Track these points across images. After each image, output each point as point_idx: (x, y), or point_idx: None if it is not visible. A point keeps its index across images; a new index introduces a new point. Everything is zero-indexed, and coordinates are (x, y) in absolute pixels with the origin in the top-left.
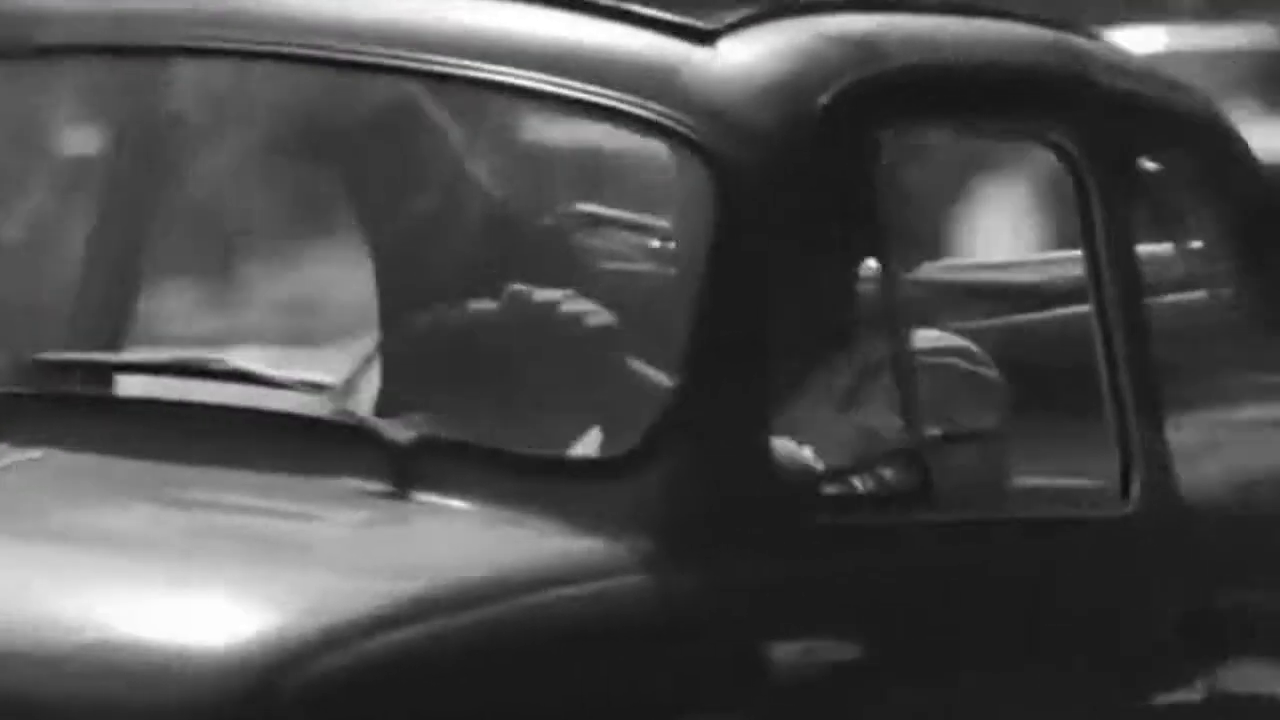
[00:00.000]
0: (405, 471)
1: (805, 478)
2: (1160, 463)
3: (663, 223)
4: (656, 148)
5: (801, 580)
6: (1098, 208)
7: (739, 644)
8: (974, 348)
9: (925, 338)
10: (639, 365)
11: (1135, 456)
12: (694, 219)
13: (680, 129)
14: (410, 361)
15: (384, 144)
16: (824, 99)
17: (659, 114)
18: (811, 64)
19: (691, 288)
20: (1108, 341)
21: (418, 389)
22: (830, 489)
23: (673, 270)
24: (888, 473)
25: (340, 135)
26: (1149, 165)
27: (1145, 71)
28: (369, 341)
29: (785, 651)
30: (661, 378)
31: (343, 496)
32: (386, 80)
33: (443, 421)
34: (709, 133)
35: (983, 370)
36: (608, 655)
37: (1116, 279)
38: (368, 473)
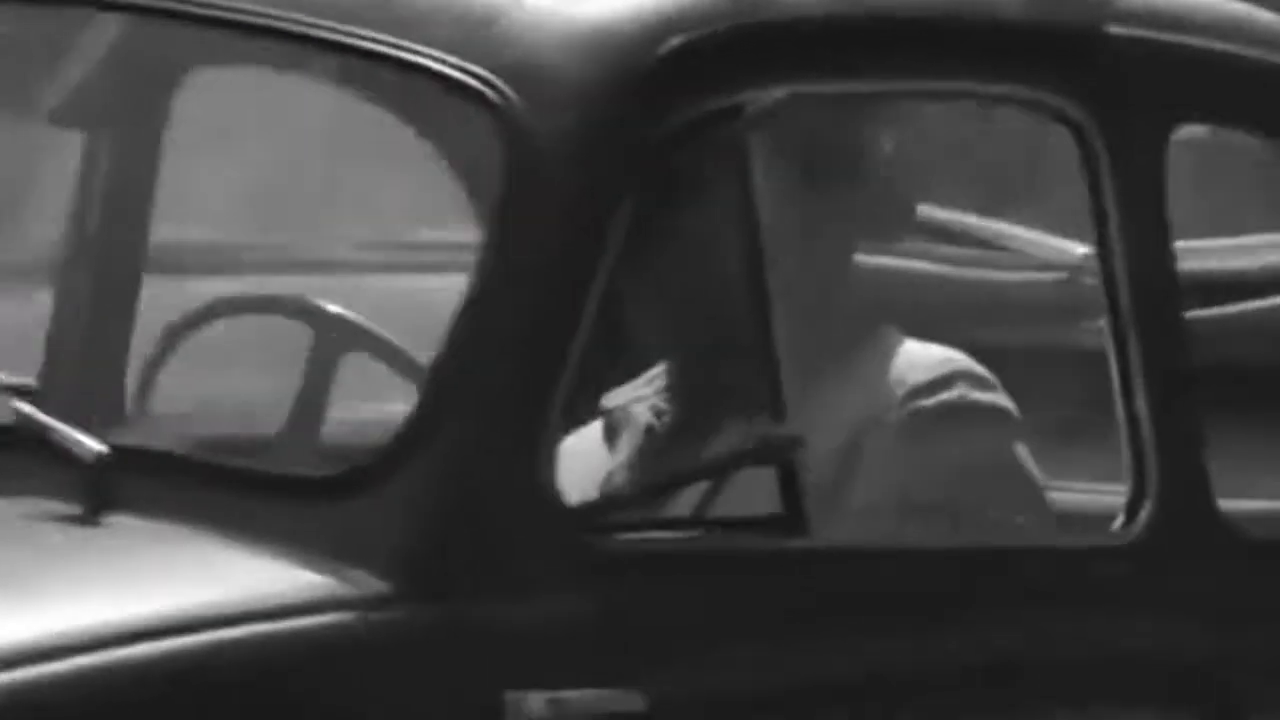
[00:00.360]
0: (96, 488)
1: (593, 498)
2: (1184, 484)
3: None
4: (461, 110)
5: (577, 620)
6: (1111, 188)
7: (481, 698)
8: (980, 370)
9: (924, 361)
10: (404, 367)
11: (1149, 476)
12: (482, 193)
13: (478, 87)
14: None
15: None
16: (662, 52)
17: (458, 70)
18: (664, 12)
19: (468, 275)
20: (1121, 347)
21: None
22: (632, 511)
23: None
24: (732, 491)
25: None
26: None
27: (1205, 19)
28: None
29: (538, 705)
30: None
31: (18, 517)
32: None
33: (154, 430)
34: (509, 92)
35: (990, 398)
36: (306, 711)
37: (1135, 272)
38: (56, 490)
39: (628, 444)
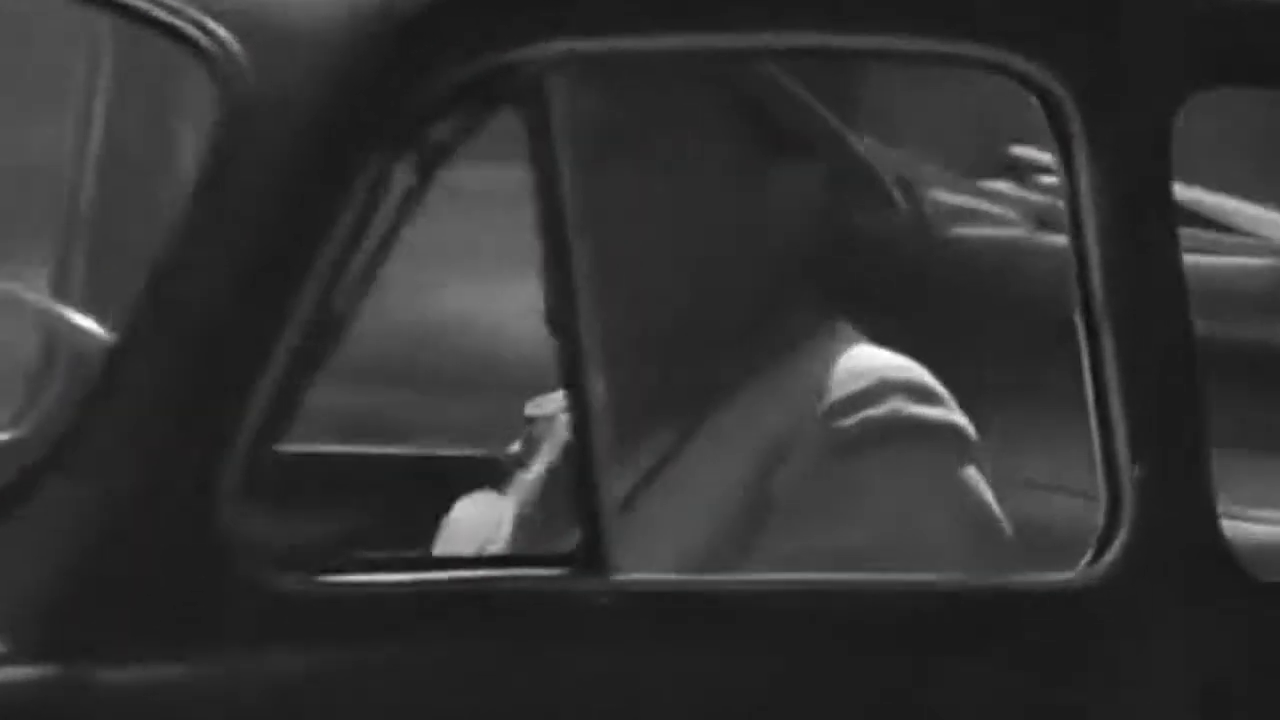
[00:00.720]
0: None
1: (279, 529)
2: (1172, 512)
3: None
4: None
5: (256, 680)
6: (1087, 168)
7: None
8: (925, 381)
9: (858, 369)
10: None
11: (1124, 502)
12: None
13: (192, 32)
14: None
15: None
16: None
17: (170, 12)
18: None
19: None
20: (1096, 352)
21: None
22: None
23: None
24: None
25: None
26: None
27: None
28: None
29: None
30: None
31: None
32: None
33: None
34: (229, 39)
35: (933, 414)
36: None
37: (1114, 267)
38: None
39: (543, 461)
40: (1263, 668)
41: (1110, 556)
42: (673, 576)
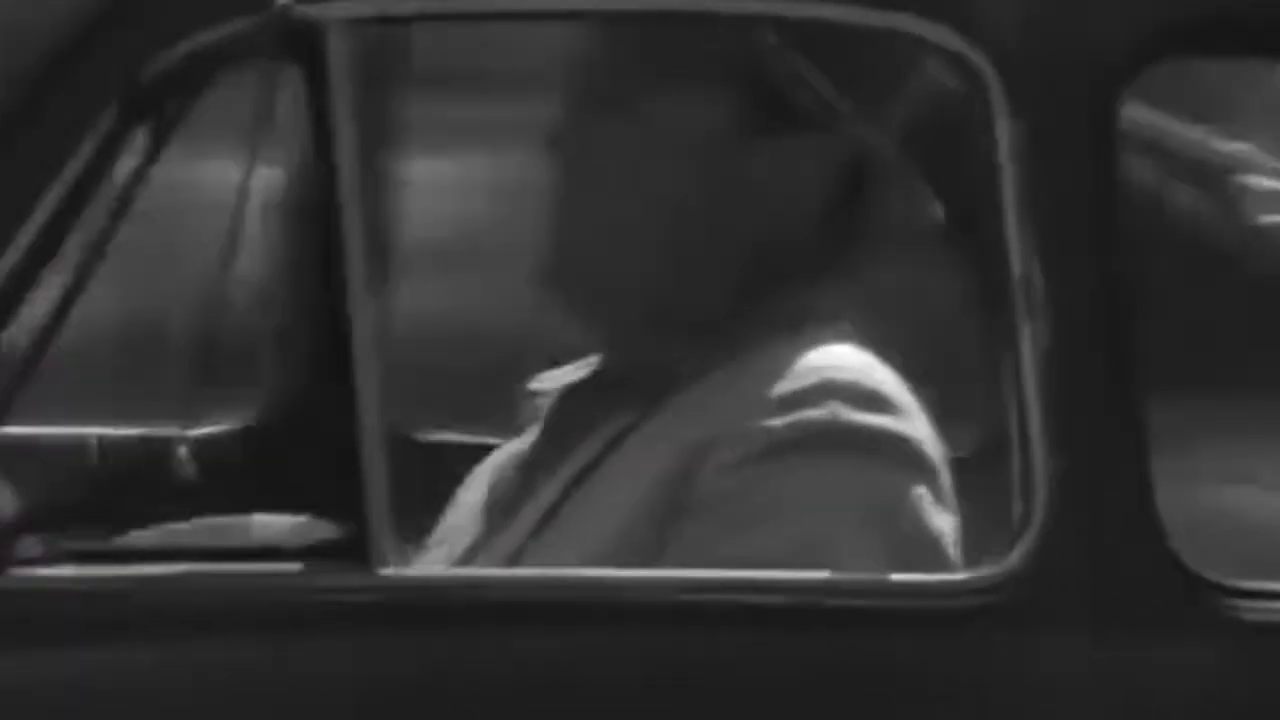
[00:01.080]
0: None
1: None
2: (1084, 509)
3: None
4: None
5: None
6: (1009, 144)
7: None
8: (879, 387)
9: (811, 365)
10: None
11: (1035, 499)
12: None
13: None
14: None
15: None
16: None
17: None
18: None
19: None
20: (1010, 336)
21: None
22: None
23: None
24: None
25: None
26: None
27: None
28: None
29: None
30: None
31: None
32: None
33: None
34: None
35: (878, 421)
36: None
37: (1031, 250)
38: None
39: (528, 437)
40: (1207, 688)
41: (1011, 561)
42: (441, 572)
